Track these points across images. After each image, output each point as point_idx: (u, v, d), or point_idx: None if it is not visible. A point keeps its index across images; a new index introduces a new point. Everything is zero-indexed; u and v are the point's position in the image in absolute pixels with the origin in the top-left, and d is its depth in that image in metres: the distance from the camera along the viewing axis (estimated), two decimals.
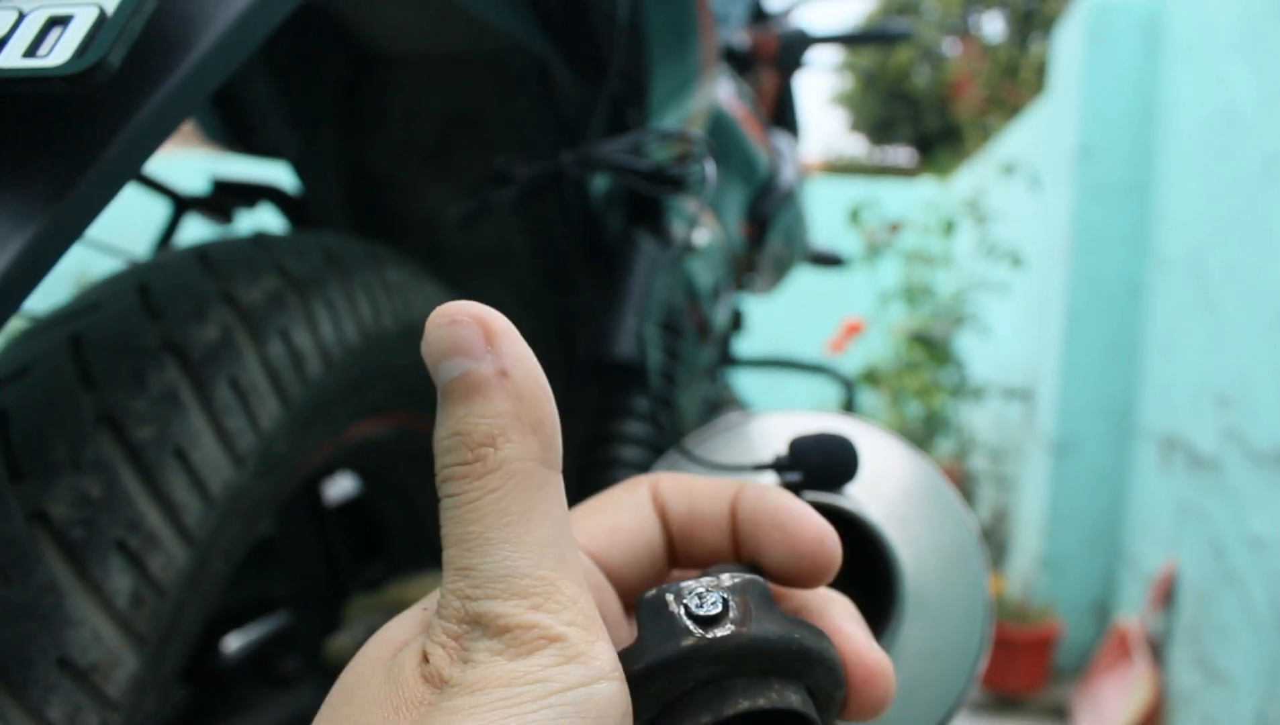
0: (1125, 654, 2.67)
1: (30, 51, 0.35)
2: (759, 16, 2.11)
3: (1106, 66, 3.11)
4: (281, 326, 0.62)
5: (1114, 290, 3.08)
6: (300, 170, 1.06)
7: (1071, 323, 3.15)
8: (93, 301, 0.58)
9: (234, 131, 1.05)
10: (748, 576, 0.29)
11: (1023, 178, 3.73)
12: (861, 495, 0.50)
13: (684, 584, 0.29)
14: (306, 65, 0.98)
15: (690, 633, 0.27)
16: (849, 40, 2.16)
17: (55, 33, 0.35)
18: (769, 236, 1.76)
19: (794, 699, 0.28)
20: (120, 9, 0.36)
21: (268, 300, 0.62)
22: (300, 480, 0.68)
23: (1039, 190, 3.65)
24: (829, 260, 2.38)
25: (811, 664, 0.28)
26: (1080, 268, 3.13)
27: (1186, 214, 2.74)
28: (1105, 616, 3.09)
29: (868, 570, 0.48)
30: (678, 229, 1.12)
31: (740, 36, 1.93)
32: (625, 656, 0.27)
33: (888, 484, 0.53)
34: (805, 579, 0.32)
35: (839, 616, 0.32)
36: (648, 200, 1.08)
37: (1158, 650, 2.56)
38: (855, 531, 0.47)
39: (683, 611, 0.28)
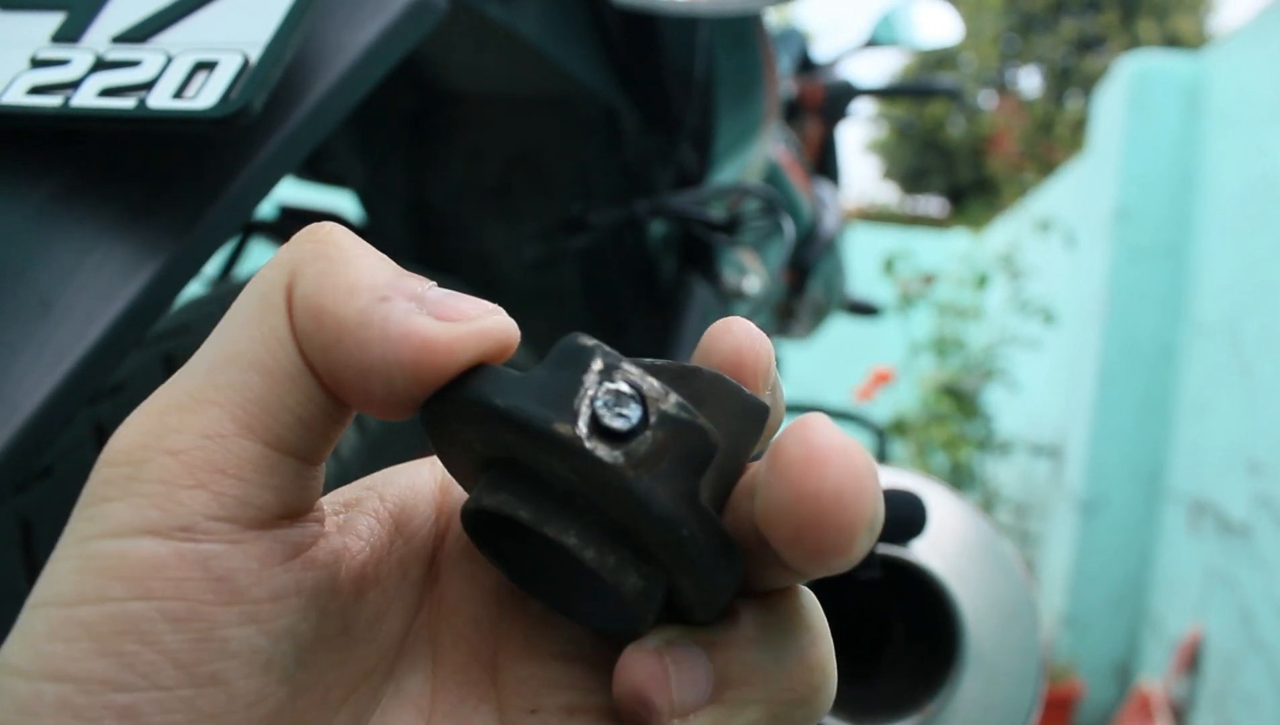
0: (1147, 717, 2.64)
1: (178, 93, 0.37)
2: (806, 66, 2.14)
3: (1146, 131, 3.12)
4: None
5: (1147, 351, 3.07)
6: (365, 199, 1.08)
7: (1103, 382, 3.14)
8: (183, 322, 0.60)
9: (304, 158, 1.08)
10: (698, 422, 0.21)
11: (1058, 235, 3.74)
12: (924, 550, 0.52)
13: (623, 365, 0.22)
14: (377, 98, 1.00)
15: (570, 424, 0.20)
16: (895, 93, 2.18)
17: (201, 76, 0.38)
18: (809, 284, 1.78)
19: (630, 582, 0.21)
20: (264, 58, 0.38)
21: None
22: None
23: (1074, 248, 3.65)
24: (864, 309, 2.39)
25: (683, 567, 0.21)
26: (1114, 327, 3.13)
27: (1223, 279, 2.74)
28: (1127, 678, 3.06)
29: (929, 623, 0.49)
30: (729, 274, 1.14)
31: (787, 85, 1.95)
32: (501, 376, 0.21)
33: (947, 540, 0.54)
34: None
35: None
36: (701, 245, 1.10)
37: (1181, 715, 2.53)
38: (919, 585, 0.48)
39: (587, 399, 0.21)
